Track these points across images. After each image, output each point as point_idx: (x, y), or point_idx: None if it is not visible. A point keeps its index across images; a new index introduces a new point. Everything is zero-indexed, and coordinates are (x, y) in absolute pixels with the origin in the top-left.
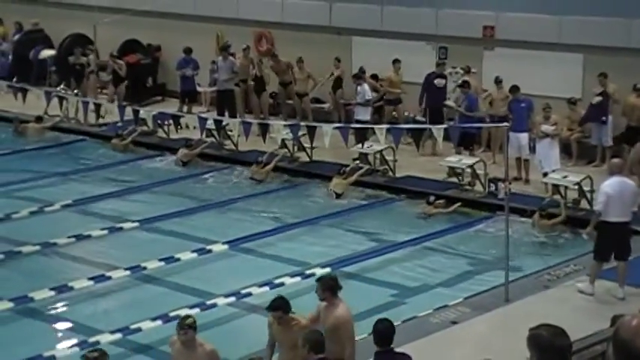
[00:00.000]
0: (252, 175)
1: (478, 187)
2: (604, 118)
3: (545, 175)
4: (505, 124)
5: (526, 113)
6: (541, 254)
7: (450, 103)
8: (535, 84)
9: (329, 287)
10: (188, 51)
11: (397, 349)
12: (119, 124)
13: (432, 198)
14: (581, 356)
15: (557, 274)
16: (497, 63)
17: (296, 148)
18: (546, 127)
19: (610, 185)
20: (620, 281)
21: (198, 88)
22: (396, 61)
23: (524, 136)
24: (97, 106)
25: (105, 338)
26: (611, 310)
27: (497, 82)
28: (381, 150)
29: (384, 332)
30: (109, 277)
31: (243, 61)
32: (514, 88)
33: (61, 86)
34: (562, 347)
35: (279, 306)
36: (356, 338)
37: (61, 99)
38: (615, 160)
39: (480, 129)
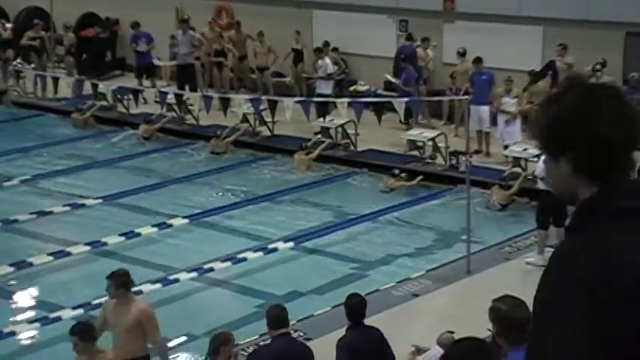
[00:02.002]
0: (213, 148)
1: (439, 160)
2: None
3: (505, 147)
4: (466, 96)
5: (487, 86)
6: (501, 226)
7: (388, 76)
8: (495, 57)
9: (122, 283)
10: (135, 25)
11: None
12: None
13: (396, 171)
14: None
15: (518, 246)
16: (457, 36)
17: (257, 122)
18: (507, 100)
19: None
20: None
21: (158, 62)
22: (425, 40)
23: (485, 109)
24: (55, 80)
25: (66, 314)
26: None
27: (461, 54)
28: (343, 124)
29: (356, 307)
30: (69, 253)
31: (209, 34)
32: (477, 60)
33: (18, 60)
34: (520, 319)
35: (77, 331)
36: (296, 320)
37: (17, 73)
38: None
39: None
